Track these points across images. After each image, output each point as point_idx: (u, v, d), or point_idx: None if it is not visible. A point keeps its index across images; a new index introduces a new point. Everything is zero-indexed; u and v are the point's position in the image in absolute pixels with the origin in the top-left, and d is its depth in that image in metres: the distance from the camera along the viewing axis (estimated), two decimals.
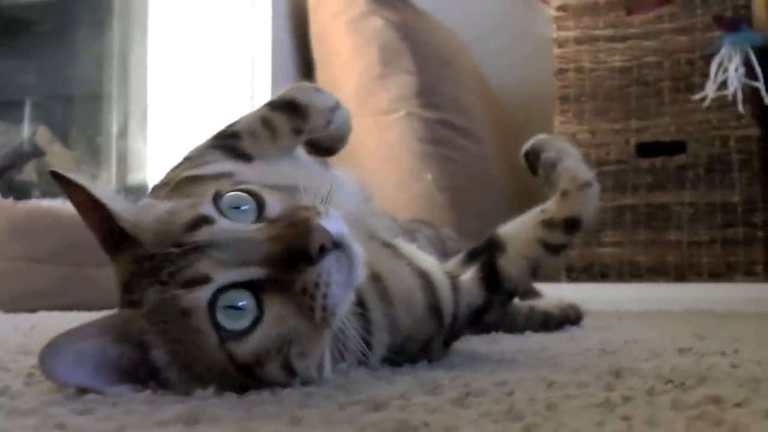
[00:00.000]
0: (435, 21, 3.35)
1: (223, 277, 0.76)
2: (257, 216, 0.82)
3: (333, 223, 0.80)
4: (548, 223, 1.11)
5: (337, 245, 0.79)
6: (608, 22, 3.08)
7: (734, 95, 2.78)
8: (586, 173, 1.13)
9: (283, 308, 0.78)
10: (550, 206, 1.13)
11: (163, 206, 0.85)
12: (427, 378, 0.87)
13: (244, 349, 0.77)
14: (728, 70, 2.78)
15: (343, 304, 0.80)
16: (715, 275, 2.79)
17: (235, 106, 3.13)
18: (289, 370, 0.80)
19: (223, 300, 0.76)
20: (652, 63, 3.00)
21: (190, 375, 0.78)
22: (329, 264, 0.78)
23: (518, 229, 1.13)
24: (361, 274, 0.83)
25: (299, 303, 0.78)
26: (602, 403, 0.71)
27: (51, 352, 0.74)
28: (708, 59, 2.85)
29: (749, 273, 2.75)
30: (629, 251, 2.94)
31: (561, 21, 3.14)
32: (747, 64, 2.78)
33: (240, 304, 0.76)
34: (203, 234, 0.78)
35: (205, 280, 0.76)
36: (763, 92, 2.76)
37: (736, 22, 2.84)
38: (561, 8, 3.15)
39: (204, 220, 0.79)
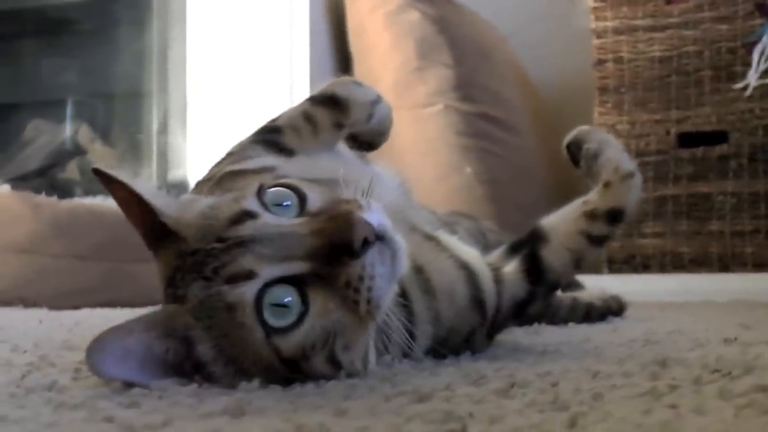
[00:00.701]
0: (472, 14, 3.34)
1: (267, 272, 0.77)
2: (299, 210, 0.83)
3: (375, 216, 0.80)
4: (591, 215, 1.11)
5: (380, 237, 0.79)
6: (647, 11, 3.05)
7: None
8: (629, 164, 1.13)
9: (328, 302, 0.78)
10: (593, 197, 1.12)
11: (206, 201, 0.86)
12: (471, 369, 0.87)
13: (290, 343, 0.77)
14: None
15: (387, 296, 0.81)
16: (760, 265, 2.76)
17: (274, 102, 3.14)
18: (334, 362, 0.80)
19: (269, 297, 0.77)
20: (692, 52, 2.96)
21: (236, 369, 0.79)
22: (372, 257, 0.79)
23: (561, 221, 1.12)
24: (404, 266, 0.84)
25: (343, 296, 0.78)
26: (648, 393, 0.71)
27: (98, 347, 0.75)
28: (750, 48, 2.82)
29: None
30: (671, 242, 2.91)
31: (599, 11, 3.12)
32: None
33: (286, 300, 0.77)
34: (247, 228, 0.79)
35: (249, 275, 0.77)
36: None
37: None
38: None
39: (247, 215, 0.80)
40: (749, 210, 2.80)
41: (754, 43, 2.80)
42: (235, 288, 0.76)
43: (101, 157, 3.34)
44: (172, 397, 0.73)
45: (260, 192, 0.83)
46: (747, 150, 2.83)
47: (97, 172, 0.83)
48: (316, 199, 0.84)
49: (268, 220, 0.80)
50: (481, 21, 3.37)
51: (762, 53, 2.77)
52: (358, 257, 0.78)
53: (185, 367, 0.79)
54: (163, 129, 3.30)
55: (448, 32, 3.09)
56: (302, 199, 0.83)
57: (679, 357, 0.94)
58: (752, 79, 2.78)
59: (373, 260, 0.78)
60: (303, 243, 0.78)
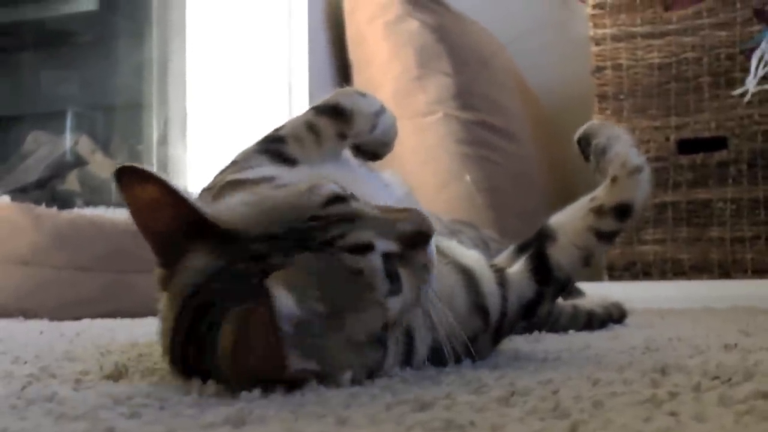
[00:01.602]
0: (471, 22, 3.35)
1: (381, 245, 0.83)
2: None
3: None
4: (599, 210, 1.11)
5: None
6: (645, 18, 3.06)
7: None
8: (637, 158, 1.13)
9: (407, 281, 0.85)
10: (600, 193, 1.12)
11: (238, 199, 0.89)
12: (472, 377, 0.87)
13: (396, 305, 0.84)
14: None
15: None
16: (760, 272, 2.76)
17: (274, 112, 3.14)
18: (403, 340, 0.90)
19: (386, 265, 0.83)
20: (691, 59, 2.97)
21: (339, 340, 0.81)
22: (433, 248, 0.88)
23: (568, 219, 1.13)
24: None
25: (415, 281, 0.86)
26: (648, 400, 0.71)
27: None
28: (748, 54, 2.83)
29: None
30: (671, 249, 2.92)
31: (598, 19, 3.13)
32: None
33: (393, 269, 0.84)
34: (347, 208, 0.85)
35: (369, 246, 0.82)
36: None
37: None
38: (598, 6, 3.13)
39: (338, 199, 0.85)
40: (749, 216, 2.81)
41: (753, 49, 2.81)
42: (361, 257, 0.81)
43: (101, 167, 3.34)
44: (173, 407, 0.73)
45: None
46: (746, 156, 2.84)
47: (128, 170, 0.82)
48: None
49: (354, 204, 0.86)
50: (480, 29, 3.37)
51: (760, 59, 2.78)
52: (424, 247, 0.87)
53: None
54: (163, 140, 3.31)
55: (448, 41, 3.10)
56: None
57: (680, 364, 0.94)
58: (751, 85, 2.79)
59: (434, 251, 0.88)
60: (392, 227, 0.85)
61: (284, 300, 0.74)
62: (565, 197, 1.24)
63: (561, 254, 1.10)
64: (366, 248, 0.82)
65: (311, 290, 0.79)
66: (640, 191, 1.12)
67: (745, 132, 2.84)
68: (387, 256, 0.83)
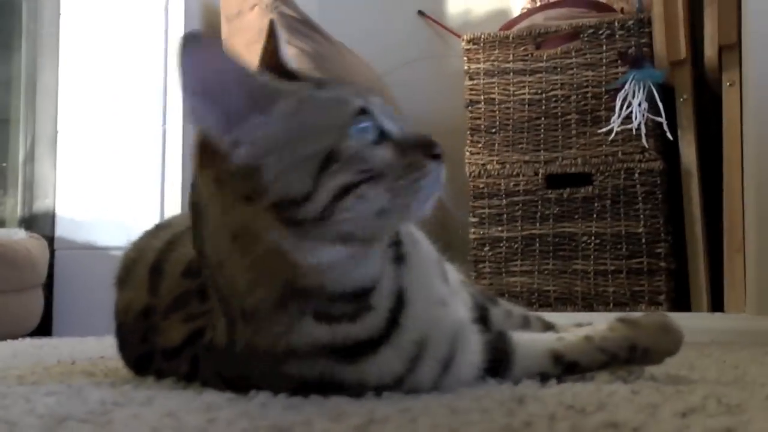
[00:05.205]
0: (349, 52, 3.37)
1: (379, 116, 0.93)
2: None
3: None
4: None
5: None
6: (518, 55, 3.14)
7: (638, 129, 2.86)
8: None
9: (392, 160, 0.91)
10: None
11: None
12: (333, 405, 0.87)
13: (352, 146, 0.89)
14: (632, 105, 2.85)
15: (421, 199, 0.92)
16: (621, 304, 2.85)
17: (148, 132, 3.10)
18: (342, 194, 0.88)
19: (367, 120, 0.92)
20: (560, 96, 3.06)
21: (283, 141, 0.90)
22: (440, 168, 0.92)
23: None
24: (426, 213, 0.95)
25: (402, 169, 0.91)
26: (504, 429, 0.72)
27: (194, 41, 0.88)
28: (613, 94, 2.93)
29: (653, 302, 2.82)
30: (538, 280, 2.98)
31: (472, 54, 3.19)
32: (650, 99, 2.86)
33: (371, 131, 0.91)
34: (373, 102, 0.95)
35: (365, 111, 0.92)
36: (665, 127, 2.85)
37: (639, 59, 2.92)
38: (472, 41, 3.20)
39: (362, 111, 0.93)
40: (611, 250, 2.90)
41: (618, 90, 2.91)
42: (355, 97, 0.93)
43: None
44: (24, 431, 0.71)
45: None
46: (610, 192, 2.93)
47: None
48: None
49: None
50: (358, 59, 3.40)
51: (624, 99, 2.88)
52: (430, 159, 0.92)
53: (235, 116, 0.90)
54: (31, 157, 3.22)
55: (325, 69, 3.10)
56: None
57: (537, 394, 0.96)
58: (615, 124, 2.88)
59: (438, 170, 0.92)
60: (404, 127, 0.95)
61: None
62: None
63: None
64: (359, 112, 0.92)
65: (284, 101, 0.92)
66: None
67: (609, 169, 2.94)
68: (386, 135, 0.92)
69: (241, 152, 0.89)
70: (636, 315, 1.15)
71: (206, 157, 0.91)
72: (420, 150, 0.92)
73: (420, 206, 0.92)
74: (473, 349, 1.04)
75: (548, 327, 1.37)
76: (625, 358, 1.13)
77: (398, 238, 0.99)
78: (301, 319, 0.91)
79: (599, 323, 1.18)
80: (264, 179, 0.88)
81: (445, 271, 1.08)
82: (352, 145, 0.89)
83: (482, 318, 1.13)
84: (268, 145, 0.89)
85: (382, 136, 0.92)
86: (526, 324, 1.36)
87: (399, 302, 0.96)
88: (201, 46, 0.88)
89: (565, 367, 1.11)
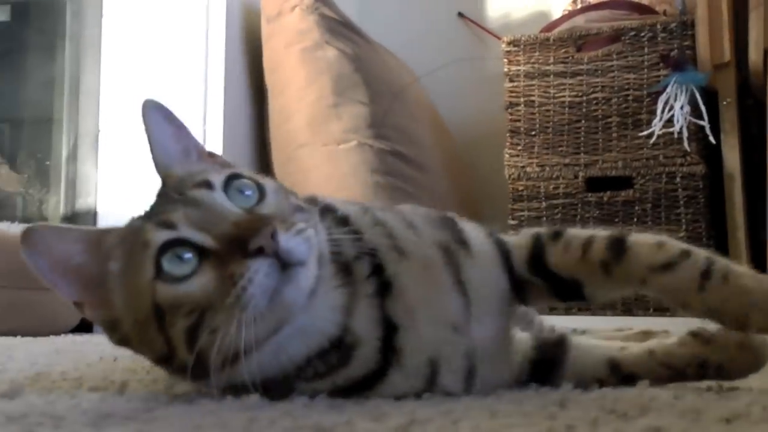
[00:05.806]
0: (388, 53, 3.38)
1: (184, 231, 0.86)
2: (254, 205, 0.91)
3: (290, 241, 0.84)
4: None
5: (282, 260, 0.83)
6: (558, 57, 3.13)
7: (680, 133, 2.83)
8: None
9: (212, 281, 0.85)
10: None
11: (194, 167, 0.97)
12: (374, 406, 0.87)
13: (167, 293, 0.85)
14: (674, 108, 2.83)
15: (258, 305, 0.83)
16: (661, 309, 2.82)
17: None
18: (192, 336, 0.85)
19: (176, 249, 0.86)
20: (601, 99, 3.05)
21: (125, 301, 0.90)
22: (260, 266, 0.83)
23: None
24: (299, 298, 0.85)
25: (225, 285, 0.83)
26: None
27: (31, 236, 0.90)
28: (655, 97, 2.91)
29: None
30: None
31: (512, 56, 3.19)
32: (693, 102, 2.84)
33: (186, 256, 0.86)
34: (198, 194, 0.89)
35: (172, 226, 0.87)
36: (708, 131, 2.82)
37: (682, 62, 2.90)
38: (512, 43, 3.19)
39: (206, 185, 0.91)
40: None
41: (659, 93, 2.89)
42: (157, 230, 0.87)
43: (7, 181, 3.27)
44: (69, 426, 0.72)
45: (230, 178, 0.92)
46: (651, 196, 2.91)
47: None
48: (270, 205, 0.92)
49: (217, 197, 0.89)
50: (396, 61, 3.40)
51: (666, 102, 2.86)
52: (248, 258, 0.83)
53: (92, 283, 0.92)
54: (73, 156, 3.25)
55: (364, 70, 3.11)
56: (261, 197, 0.92)
57: (578, 398, 0.95)
58: (657, 127, 2.86)
59: (258, 268, 0.83)
60: (221, 226, 0.86)
61: None
62: None
63: None
64: (168, 226, 0.87)
65: (117, 253, 0.92)
66: None
67: (650, 172, 2.91)
68: (199, 249, 0.86)
69: (101, 313, 0.94)
70: (712, 329, 1.06)
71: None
72: (238, 251, 0.84)
73: (275, 305, 0.84)
74: (510, 350, 1.04)
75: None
76: (694, 374, 1.08)
77: (377, 261, 0.95)
78: (299, 387, 0.93)
79: (668, 336, 1.13)
80: (132, 345, 0.93)
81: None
82: (168, 291, 0.85)
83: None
84: (117, 308, 0.92)
85: (201, 254, 0.86)
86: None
87: (388, 327, 0.93)
88: (36, 240, 0.90)
89: (622, 377, 1.09)
